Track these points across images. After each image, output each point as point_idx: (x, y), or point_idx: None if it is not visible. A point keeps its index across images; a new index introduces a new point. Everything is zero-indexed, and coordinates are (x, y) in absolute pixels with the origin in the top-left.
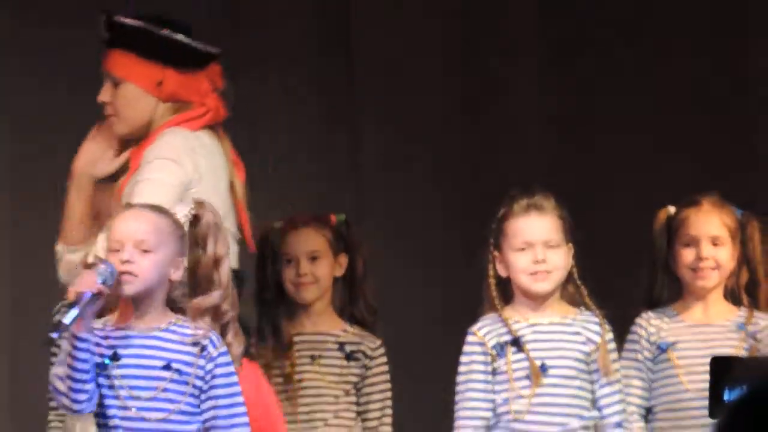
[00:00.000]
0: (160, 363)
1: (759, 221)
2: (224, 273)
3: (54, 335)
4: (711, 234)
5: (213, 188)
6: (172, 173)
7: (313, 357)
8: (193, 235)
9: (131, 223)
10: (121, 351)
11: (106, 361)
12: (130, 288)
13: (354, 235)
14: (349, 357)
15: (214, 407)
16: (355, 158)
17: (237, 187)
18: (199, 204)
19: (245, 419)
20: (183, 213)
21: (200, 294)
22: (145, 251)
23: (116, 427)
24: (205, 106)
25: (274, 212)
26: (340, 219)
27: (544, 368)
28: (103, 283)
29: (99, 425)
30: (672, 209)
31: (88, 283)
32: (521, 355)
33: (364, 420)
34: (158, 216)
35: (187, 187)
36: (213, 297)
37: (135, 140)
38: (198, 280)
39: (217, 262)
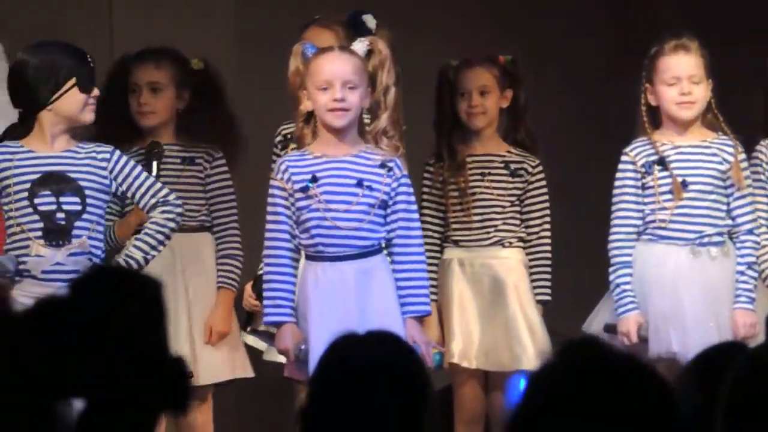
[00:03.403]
0: (353, 181)
1: None
2: (390, 98)
3: None
4: None
5: None
6: None
7: (483, 174)
8: (368, 66)
9: (338, 65)
10: (319, 174)
11: (308, 184)
12: (341, 122)
13: (519, 72)
14: (513, 174)
15: (397, 220)
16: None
17: None
18: (373, 40)
19: (420, 233)
20: (362, 49)
21: (372, 119)
22: (351, 88)
23: (316, 235)
24: None
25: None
26: (508, 59)
27: (685, 184)
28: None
29: (301, 237)
30: None
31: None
32: (666, 173)
33: (527, 227)
34: (353, 55)
35: None
36: (382, 121)
37: None
38: (370, 106)
39: (386, 90)
